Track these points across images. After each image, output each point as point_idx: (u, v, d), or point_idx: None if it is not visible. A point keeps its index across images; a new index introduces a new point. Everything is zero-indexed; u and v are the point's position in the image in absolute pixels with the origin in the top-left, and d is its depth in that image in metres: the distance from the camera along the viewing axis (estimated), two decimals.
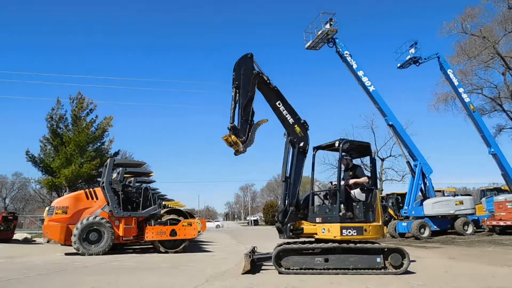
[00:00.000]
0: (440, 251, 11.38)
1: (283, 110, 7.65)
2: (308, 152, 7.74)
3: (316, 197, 7.65)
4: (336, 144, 7.43)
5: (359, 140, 8.04)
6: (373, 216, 7.10)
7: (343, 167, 7.85)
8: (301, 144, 7.59)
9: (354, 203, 7.20)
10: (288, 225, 7.24)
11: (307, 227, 7.32)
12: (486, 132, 19.00)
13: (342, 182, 7.33)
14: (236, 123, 7.20)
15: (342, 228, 6.78)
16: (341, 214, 6.84)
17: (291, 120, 7.64)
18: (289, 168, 7.57)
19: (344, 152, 7.67)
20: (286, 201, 7.39)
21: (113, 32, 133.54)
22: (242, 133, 7.18)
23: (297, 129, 7.64)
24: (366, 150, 8.14)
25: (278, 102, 7.66)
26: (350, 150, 7.84)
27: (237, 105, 7.28)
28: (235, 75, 7.43)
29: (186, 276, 6.83)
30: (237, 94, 7.30)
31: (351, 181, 7.47)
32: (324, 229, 7.06)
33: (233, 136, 7.07)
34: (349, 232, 6.81)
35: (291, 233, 7.23)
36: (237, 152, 7.23)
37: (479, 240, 14.64)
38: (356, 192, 7.32)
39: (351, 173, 7.66)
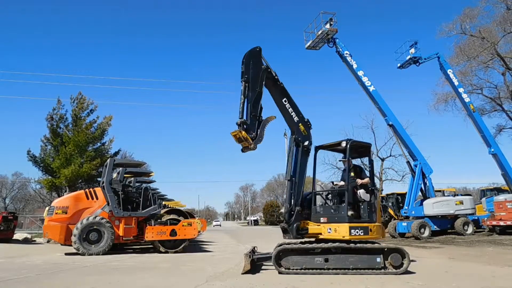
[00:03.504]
0: (440, 251, 11.38)
1: (289, 108, 7.54)
2: (310, 151, 7.71)
3: (318, 197, 7.64)
4: (343, 145, 7.42)
5: (361, 140, 8.06)
6: (375, 216, 7.17)
7: (344, 167, 7.91)
8: (306, 143, 7.53)
9: (359, 204, 7.22)
10: (295, 225, 7.18)
11: (312, 227, 7.28)
12: (486, 132, 19.00)
13: (343, 183, 7.36)
14: (245, 118, 6.93)
15: (351, 228, 6.81)
16: (349, 214, 6.89)
17: (296, 119, 7.55)
18: (293, 167, 7.49)
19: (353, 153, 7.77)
20: (292, 200, 7.30)
21: (113, 32, 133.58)
22: (252, 129, 6.93)
23: (301, 127, 7.57)
24: (366, 151, 8.16)
25: (284, 99, 7.55)
26: (351, 150, 7.85)
27: (246, 99, 7.00)
28: (244, 68, 7.14)
29: (186, 276, 6.83)
30: (246, 88, 7.02)
31: (359, 181, 7.47)
32: (330, 229, 7.04)
33: (243, 132, 6.76)
34: (357, 232, 6.85)
35: (297, 233, 7.17)
36: (245, 149, 6.98)
37: (479, 240, 14.64)
38: (362, 193, 7.32)
39: (353, 173, 7.64)
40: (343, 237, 6.80)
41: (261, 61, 7.35)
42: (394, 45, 47.84)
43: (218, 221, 77.72)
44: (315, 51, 18.67)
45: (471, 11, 24.83)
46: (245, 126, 6.83)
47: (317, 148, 7.89)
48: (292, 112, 7.55)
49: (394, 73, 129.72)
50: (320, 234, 7.17)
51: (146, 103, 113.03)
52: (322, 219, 7.23)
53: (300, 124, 7.57)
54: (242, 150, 7.02)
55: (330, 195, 7.61)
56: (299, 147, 7.53)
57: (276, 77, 7.53)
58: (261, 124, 7.08)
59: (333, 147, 8.00)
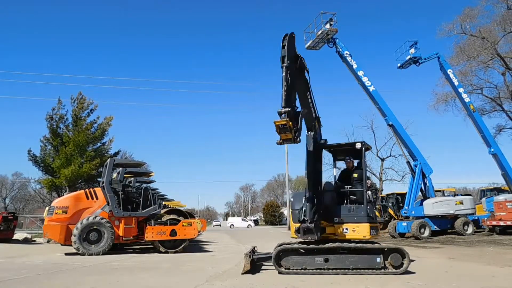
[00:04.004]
0: (440, 251, 11.38)
1: (311, 102, 7.25)
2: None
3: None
4: (359, 146, 7.38)
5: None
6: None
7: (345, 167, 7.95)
8: (322, 141, 7.42)
9: (368, 204, 7.20)
10: (318, 225, 6.95)
11: (329, 227, 7.22)
12: (486, 132, 19.03)
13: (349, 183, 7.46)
14: (288, 108, 6.04)
15: (371, 227, 6.89)
16: (368, 214, 6.96)
17: (313, 115, 7.31)
18: (312, 165, 7.25)
19: (349, 155, 7.78)
20: (315, 200, 7.05)
21: (113, 32, 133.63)
22: (294, 120, 6.05)
23: (317, 124, 7.42)
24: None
25: (308, 93, 7.22)
26: (365, 152, 7.71)
27: (287, 87, 6.17)
28: (286, 52, 6.36)
29: (186, 276, 6.83)
30: (288, 75, 6.23)
31: (369, 182, 7.46)
32: (347, 229, 7.02)
33: (291, 123, 5.87)
34: (373, 232, 6.95)
35: (321, 234, 6.93)
36: (286, 141, 6.11)
37: (479, 240, 14.65)
38: (370, 194, 7.32)
39: (355, 175, 7.58)
40: (364, 236, 6.84)
41: (295, 48, 6.74)
42: (394, 45, 47.96)
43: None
44: (315, 51, 18.72)
45: (471, 11, 24.83)
46: (291, 117, 5.96)
47: (322, 148, 7.84)
48: (312, 107, 7.27)
49: (394, 73, 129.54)
50: (334, 234, 7.12)
51: (146, 103, 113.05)
52: (336, 219, 7.16)
53: (316, 121, 7.43)
54: (280, 143, 6.15)
55: (337, 195, 7.54)
56: (315, 144, 7.29)
57: (307, 68, 7.11)
58: (299, 116, 6.34)
59: (341, 147, 7.94)
